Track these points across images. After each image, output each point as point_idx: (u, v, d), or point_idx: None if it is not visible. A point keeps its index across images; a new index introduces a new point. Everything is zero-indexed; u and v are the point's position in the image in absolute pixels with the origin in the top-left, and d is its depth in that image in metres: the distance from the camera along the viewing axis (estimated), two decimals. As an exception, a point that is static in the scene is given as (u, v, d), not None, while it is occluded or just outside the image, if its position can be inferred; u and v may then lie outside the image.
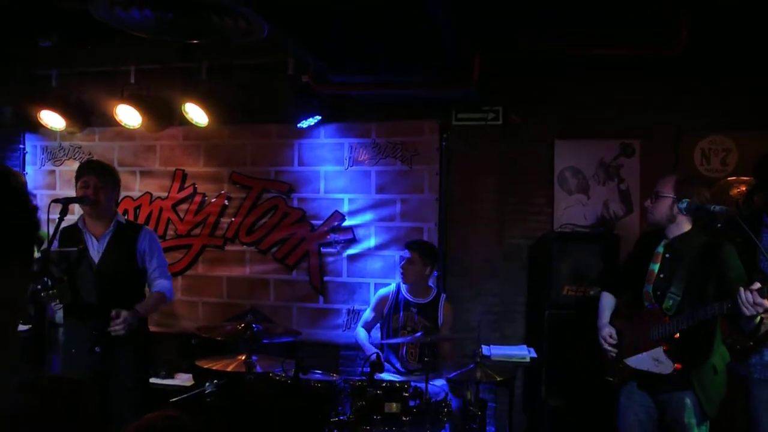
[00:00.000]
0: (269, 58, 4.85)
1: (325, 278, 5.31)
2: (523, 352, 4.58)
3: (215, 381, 3.64)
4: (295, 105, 4.83)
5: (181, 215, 5.58)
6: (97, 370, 3.53)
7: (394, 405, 3.42)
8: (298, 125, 4.98)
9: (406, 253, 4.50)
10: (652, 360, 3.19)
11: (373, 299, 4.76)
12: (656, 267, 3.28)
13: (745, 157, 4.57)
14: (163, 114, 5.08)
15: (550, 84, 4.95)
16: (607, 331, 3.45)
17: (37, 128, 5.62)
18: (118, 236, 3.80)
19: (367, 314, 4.69)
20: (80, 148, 5.80)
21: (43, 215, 3.95)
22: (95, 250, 3.77)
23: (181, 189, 5.59)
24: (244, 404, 3.73)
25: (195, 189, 5.56)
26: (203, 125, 5.03)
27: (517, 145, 5.04)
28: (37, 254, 3.42)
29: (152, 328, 4.19)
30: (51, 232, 3.44)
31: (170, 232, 5.58)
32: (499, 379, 3.82)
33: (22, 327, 4.45)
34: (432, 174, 5.11)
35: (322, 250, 5.31)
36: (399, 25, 3.66)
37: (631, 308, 3.42)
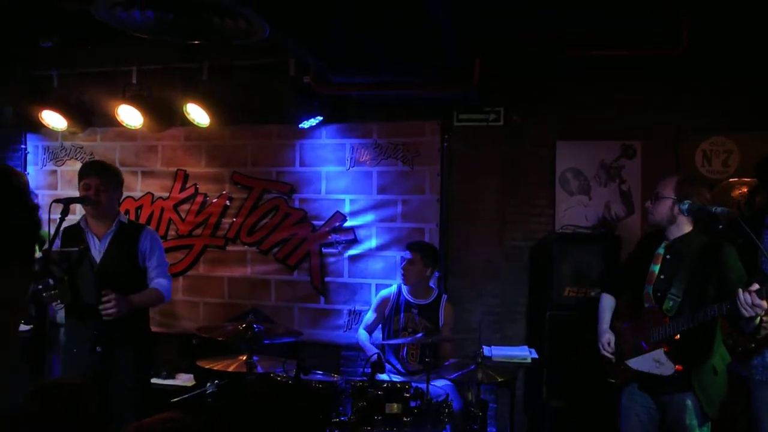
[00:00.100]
0: (270, 59, 4.86)
1: (327, 279, 5.31)
2: (525, 353, 4.58)
3: (216, 381, 3.64)
4: (297, 105, 4.84)
5: (183, 215, 5.59)
6: (97, 370, 3.53)
7: (395, 406, 3.42)
8: (300, 126, 4.99)
9: (407, 254, 4.50)
10: (653, 361, 3.19)
11: (375, 300, 4.76)
12: (657, 268, 3.27)
13: (747, 158, 4.57)
14: (164, 114, 5.10)
15: (551, 85, 4.95)
16: (606, 338, 3.45)
17: (39, 128, 5.63)
18: (119, 236, 3.80)
19: (369, 316, 4.69)
20: (82, 148, 5.81)
21: (44, 215, 3.95)
22: (97, 250, 3.77)
23: (182, 189, 5.60)
24: (245, 405, 3.73)
25: (196, 189, 5.57)
26: (204, 126, 5.03)
27: (519, 146, 5.04)
28: (38, 254, 3.43)
29: (153, 329, 4.18)
30: (52, 232, 3.44)
31: (171, 233, 5.59)
32: (500, 379, 3.82)
33: (23, 327, 4.46)
34: (433, 175, 5.11)
35: (324, 250, 5.31)
36: (399, 25, 3.65)
37: (632, 309, 3.42)
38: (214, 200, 5.53)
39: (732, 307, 2.83)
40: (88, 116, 5.47)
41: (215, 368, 3.66)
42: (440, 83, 4.73)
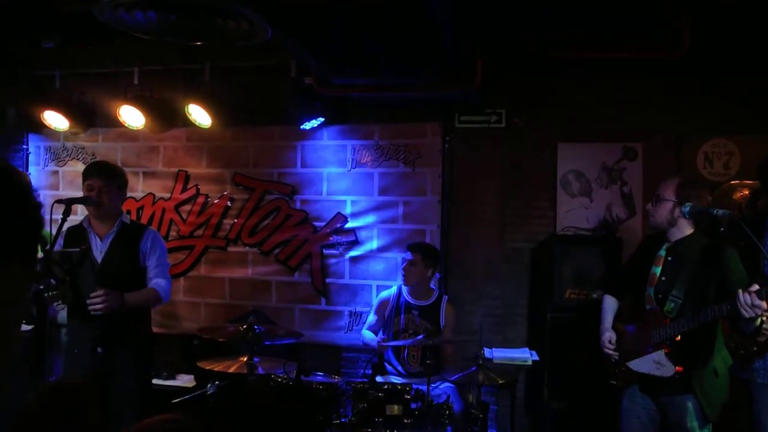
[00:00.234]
0: (272, 60, 4.86)
1: (328, 280, 5.31)
2: (525, 355, 4.57)
3: (217, 382, 3.64)
4: (298, 107, 4.84)
5: (184, 216, 5.59)
6: (98, 371, 3.53)
7: (396, 407, 3.42)
8: (301, 127, 4.99)
9: (408, 255, 4.49)
10: (654, 363, 3.19)
11: (375, 302, 4.75)
12: (658, 270, 3.27)
13: (748, 160, 4.56)
14: (166, 115, 5.11)
15: (553, 86, 4.95)
16: (607, 336, 3.45)
17: (41, 129, 5.64)
18: (121, 236, 3.81)
19: (371, 318, 4.68)
20: (83, 148, 5.82)
21: (45, 215, 3.95)
22: (98, 250, 3.78)
23: (184, 190, 5.60)
24: (245, 406, 3.72)
25: (198, 190, 5.57)
26: (206, 126, 5.04)
27: (520, 148, 5.03)
28: (39, 254, 3.43)
29: (154, 329, 4.18)
30: (54, 232, 3.44)
31: (173, 233, 5.59)
32: (501, 381, 3.82)
33: (24, 327, 4.46)
34: (434, 176, 5.11)
35: (325, 251, 5.31)
36: (399, 26, 3.65)
37: (633, 311, 3.42)
38: (216, 201, 5.53)
39: (732, 308, 2.83)
40: (90, 117, 5.49)
41: (216, 369, 3.66)
42: (441, 84, 4.73)
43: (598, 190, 4.92)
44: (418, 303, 4.48)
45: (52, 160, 5.90)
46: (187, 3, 2.88)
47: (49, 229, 3.38)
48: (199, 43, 3.79)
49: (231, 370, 3.65)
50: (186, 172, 5.60)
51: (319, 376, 3.87)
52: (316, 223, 5.32)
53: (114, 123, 5.30)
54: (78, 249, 3.54)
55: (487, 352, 4.34)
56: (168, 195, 5.63)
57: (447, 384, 4.14)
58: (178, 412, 1.50)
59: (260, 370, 3.63)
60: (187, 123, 5.10)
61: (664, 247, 3.30)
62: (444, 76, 4.60)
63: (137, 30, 3.14)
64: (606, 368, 3.49)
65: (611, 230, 4.84)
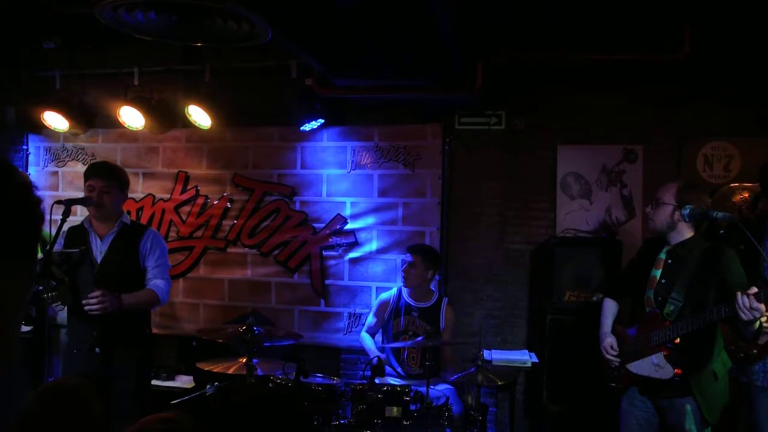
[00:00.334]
0: (272, 61, 4.87)
1: (327, 281, 5.31)
2: (525, 357, 4.58)
3: (216, 383, 3.63)
4: (298, 108, 4.85)
5: (184, 217, 5.59)
6: (98, 372, 3.53)
7: (395, 409, 3.42)
8: (301, 128, 5.00)
9: (408, 257, 4.49)
10: (653, 365, 3.19)
11: (374, 304, 4.75)
12: (658, 273, 3.27)
13: (748, 163, 4.57)
14: (166, 116, 5.11)
15: (553, 89, 4.95)
16: (608, 341, 3.45)
17: (41, 129, 5.64)
18: (121, 237, 3.81)
19: (370, 319, 4.68)
20: (83, 149, 5.82)
21: (45, 214, 3.95)
22: (98, 250, 3.77)
23: (183, 191, 5.60)
24: (243, 407, 3.71)
25: (197, 191, 5.57)
26: (206, 127, 5.04)
27: (520, 150, 5.04)
28: (39, 255, 3.43)
29: (153, 330, 4.18)
30: (53, 232, 3.44)
31: (172, 234, 5.59)
32: (500, 383, 3.81)
33: (24, 328, 4.46)
34: (434, 178, 5.11)
35: (324, 253, 5.31)
36: (400, 29, 3.66)
37: (633, 314, 3.42)
38: (215, 202, 5.53)
39: (730, 310, 2.83)
40: (90, 117, 5.49)
41: (215, 370, 3.66)
42: (442, 87, 4.73)
43: (598, 192, 4.92)
44: (418, 305, 4.48)
45: (52, 161, 5.90)
46: (188, 4, 2.88)
47: (49, 230, 3.38)
48: (199, 45, 3.79)
49: (230, 372, 3.65)
50: (186, 173, 5.59)
51: (318, 378, 3.87)
52: (316, 225, 5.32)
53: (114, 124, 5.31)
54: (77, 249, 3.55)
55: (486, 354, 4.34)
56: (168, 196, 5.63)
57: (446, 386, 4.14)
58: (174, 411, 1.50)
59: (259, 372, 3.63)
60: (187, 124, 5.11)
61: (664, 250, 3.30)
62: (445, 79, 4.60)
63: (138, 31, 3.14)
64: (605, 370, 3.49)
65: (611, 232, 4.85)
